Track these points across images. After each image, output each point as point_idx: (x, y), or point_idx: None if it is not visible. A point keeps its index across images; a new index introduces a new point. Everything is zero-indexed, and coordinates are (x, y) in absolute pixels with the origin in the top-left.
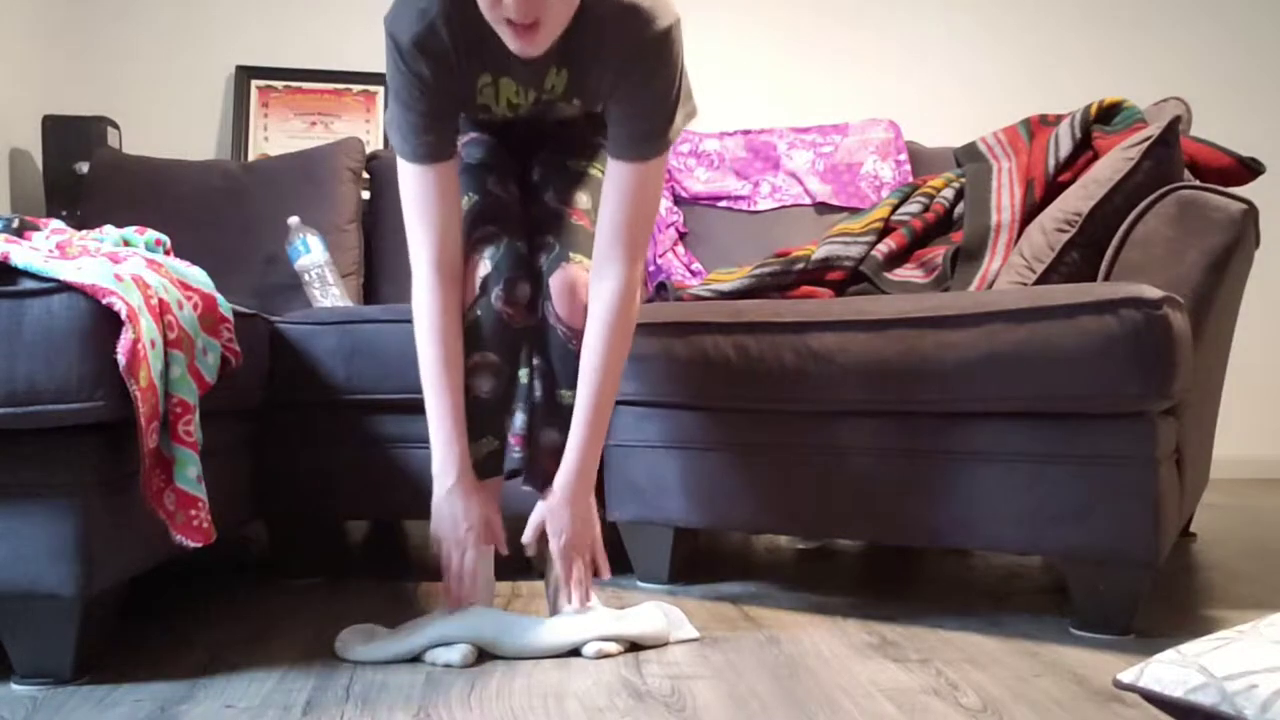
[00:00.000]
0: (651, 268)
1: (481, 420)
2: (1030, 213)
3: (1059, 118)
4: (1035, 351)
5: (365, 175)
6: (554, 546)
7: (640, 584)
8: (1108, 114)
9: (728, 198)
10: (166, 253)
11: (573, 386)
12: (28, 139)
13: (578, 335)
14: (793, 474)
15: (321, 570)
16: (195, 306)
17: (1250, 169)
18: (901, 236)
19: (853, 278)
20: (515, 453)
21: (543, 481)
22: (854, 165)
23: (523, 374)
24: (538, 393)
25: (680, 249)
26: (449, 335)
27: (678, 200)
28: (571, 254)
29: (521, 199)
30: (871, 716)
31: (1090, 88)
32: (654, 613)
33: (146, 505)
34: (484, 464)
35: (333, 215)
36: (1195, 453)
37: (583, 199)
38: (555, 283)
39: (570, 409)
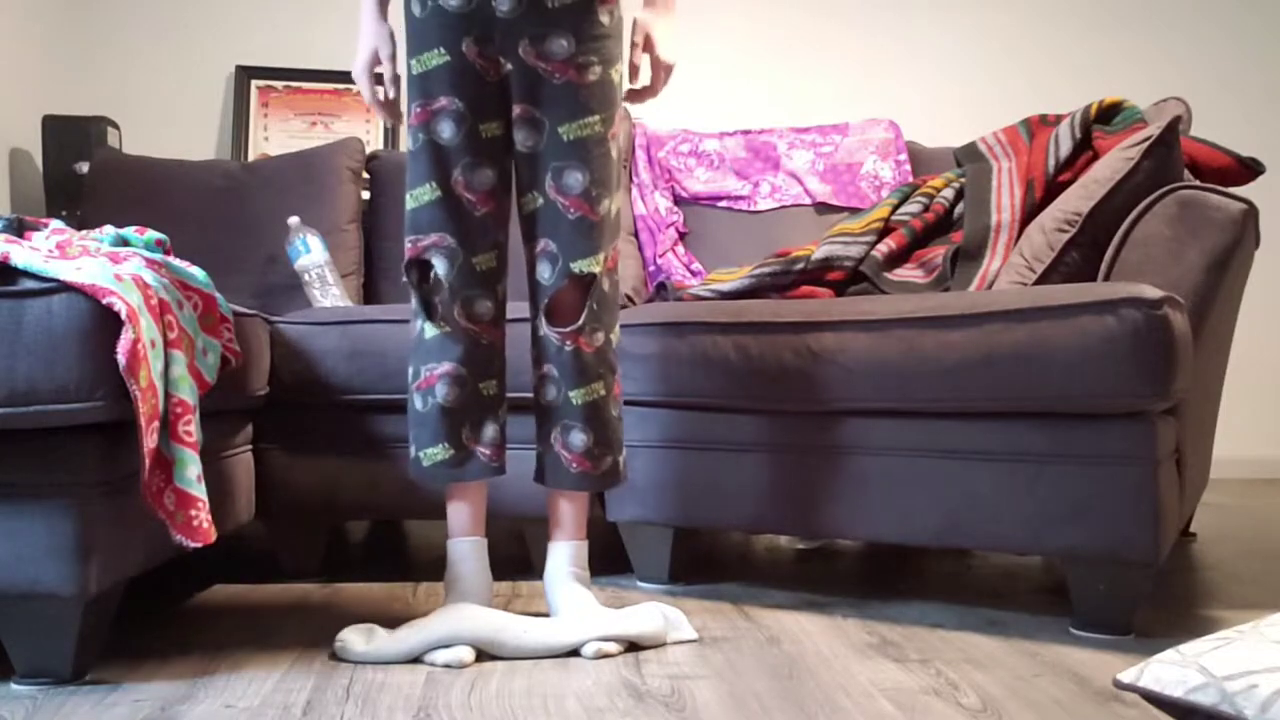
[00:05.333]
0: (651, 268)
1: (436, 427)
2: (1030, 213)
3: (1059, 118)
4: (1035, 352)
5: (365, 175)
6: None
7: (640, 584)
8: (1108, 114)
9: (728, 198)
10: (166, 253)
11: (580, 385)
12: (28, 139)
13: (570, 335)
14: (793, 474)
15: (321, 570)
16: (195, 306)
17: (1250, 169)
18: (901, 236)
19: (853, 278)
20: (492, 463)
21: (570, 481)
22: (854, 165)
23: (490, 385)
24: (546, 398)
25: (680, 249)
26: None
27: (678, 200)
28: (573, 265)
29: (495, 189)
30: (871, 716)
31: (1090, 88)
32: (653, 613)
33: (146, 505)
34: (434, 471)
35: (333, 215)
36: (1195, 453)
37: (578, 179)
38: (553, 303)
39: (584, 406)
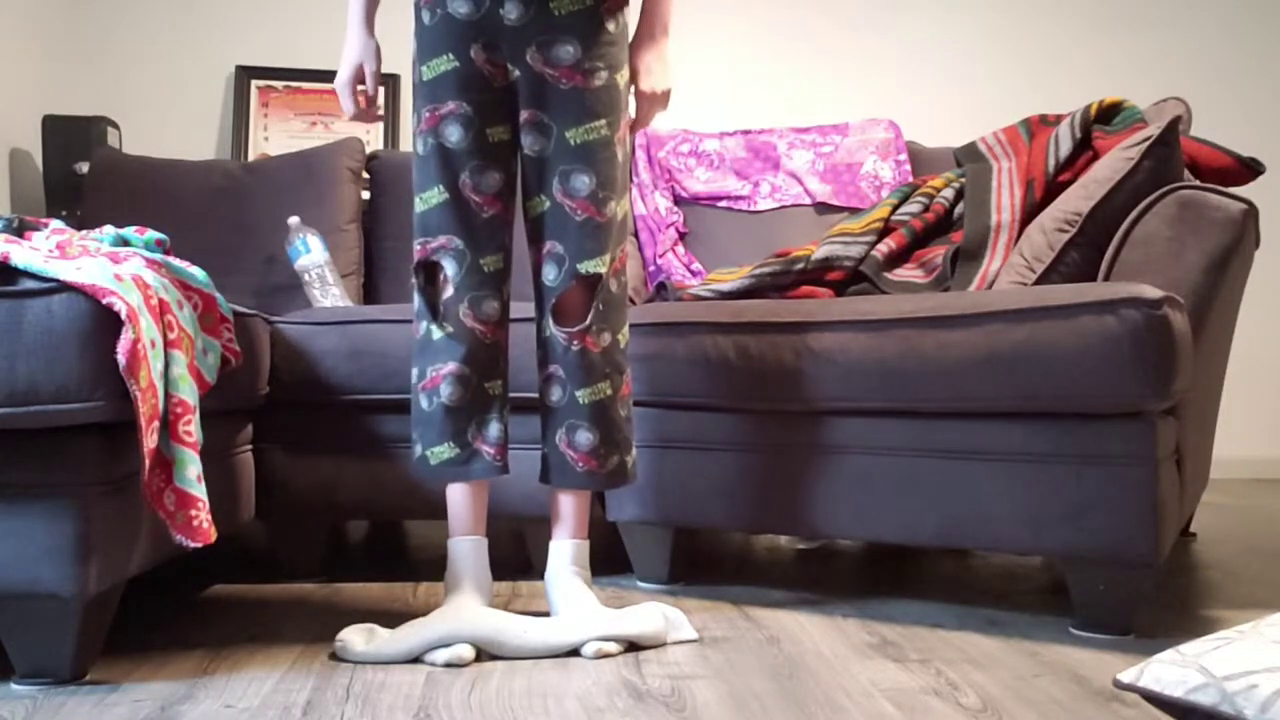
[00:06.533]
0: (651, 268)
1: (441, 427)
2: (1030, 213)
3: (1059, 118)
4: (1035, 351)
5: (365, 175)
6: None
7: (640, 584)
8: (1108, 114)
9: (728, 198)
10: (166, 253)
11: (586, 385)
12: (28, 139)
13: (576, 335)
14: (793, 474)
15: (321, 570)
16: (195, 306)
17: (1250, 169)
18: (901, 236)
19: (853, 278)
20: (496, 462)
21: (577, 480)
22: (854, 165)
23: (494, 385)
24: (552, 399)
25: (680, 249)
26: None
27: (678, 200)
28: (579, 266)
29: (501, 192)
30: (871, 716)
31: (1090, 88)
32: (653, 613)
33: (146, 505)
34: (440, 469)
35: (333, 215)
36: (1195, 453)
37: (585, 182)
38: (559, 304)
39: (591, 406)
